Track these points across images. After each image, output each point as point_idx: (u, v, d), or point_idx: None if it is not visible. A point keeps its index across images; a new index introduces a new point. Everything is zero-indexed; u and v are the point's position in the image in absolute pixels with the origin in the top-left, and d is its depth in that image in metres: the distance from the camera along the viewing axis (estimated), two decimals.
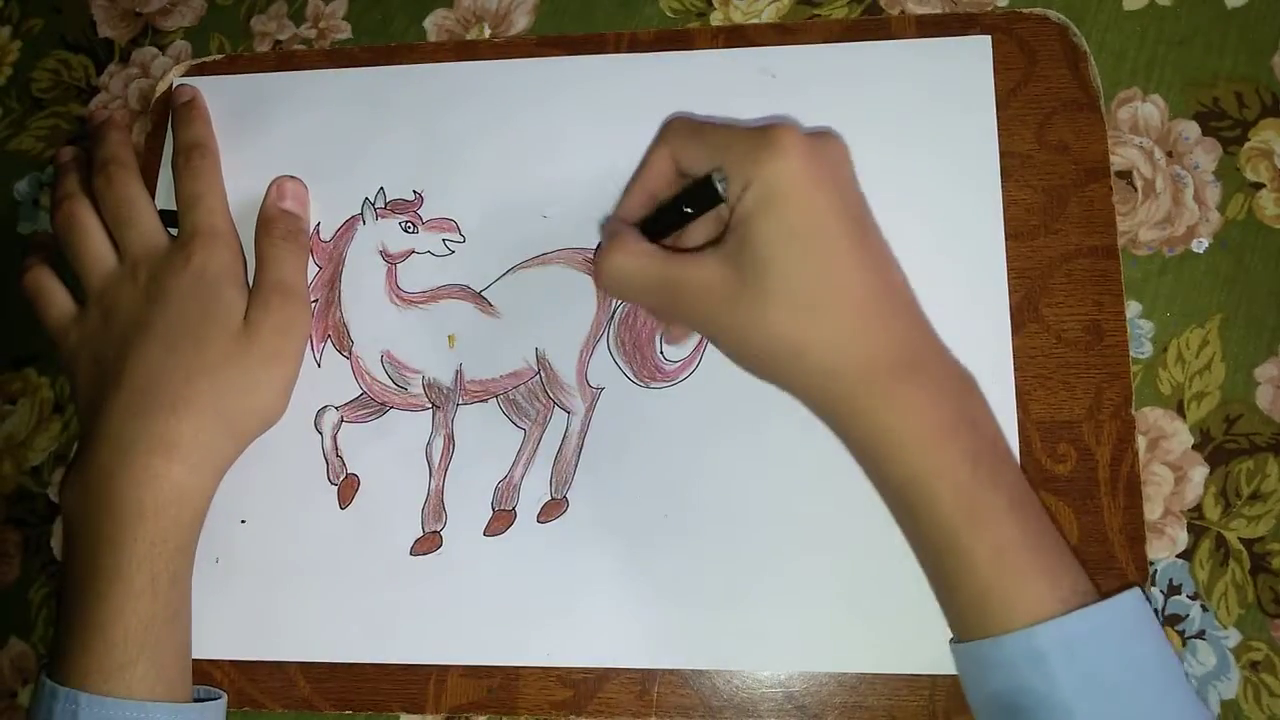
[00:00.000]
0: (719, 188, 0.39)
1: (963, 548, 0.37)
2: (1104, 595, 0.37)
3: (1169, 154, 0.48)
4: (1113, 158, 0.48)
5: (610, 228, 0.44)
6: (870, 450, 0.39)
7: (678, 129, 0.43)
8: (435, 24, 0.55)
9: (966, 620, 0.38)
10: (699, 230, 0.43)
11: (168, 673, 0.42)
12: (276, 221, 0.50)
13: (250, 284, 0.49)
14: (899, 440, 0.38)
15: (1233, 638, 0.43)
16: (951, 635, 0.41)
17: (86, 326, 0.48)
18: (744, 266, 0.38)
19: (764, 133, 0.39)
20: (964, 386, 0.41)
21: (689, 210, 0.41)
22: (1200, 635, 0.43)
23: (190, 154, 0.51)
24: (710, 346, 0.47)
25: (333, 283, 0.51)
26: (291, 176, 0.51)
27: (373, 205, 0.51)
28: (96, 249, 0.49)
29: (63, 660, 0.42)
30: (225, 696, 0.46)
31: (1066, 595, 0.37)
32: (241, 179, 0.51)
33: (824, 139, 0.40)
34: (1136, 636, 0.37)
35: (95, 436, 0.45)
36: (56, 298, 0.49)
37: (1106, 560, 0.43)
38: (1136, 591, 0.38)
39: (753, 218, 0.38)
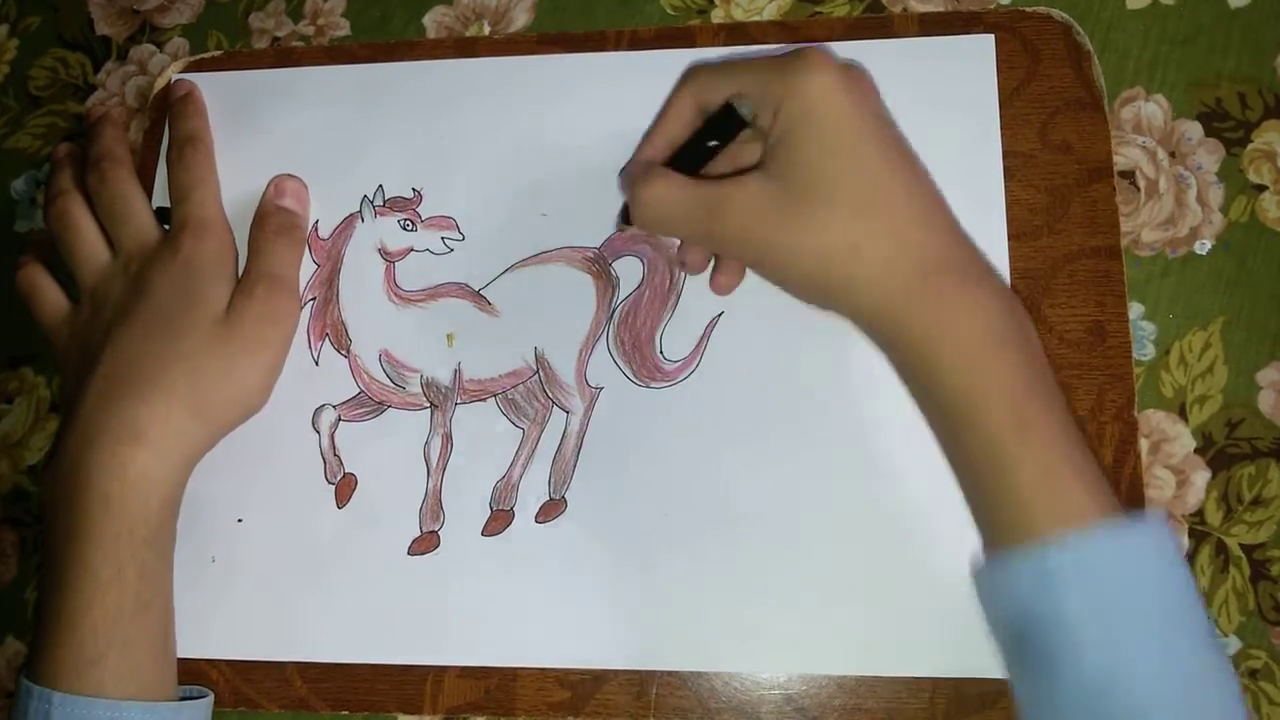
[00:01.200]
0: (742, 112, 0.40)
1: (1010, 459, 0.36)
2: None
3: (1172, 155, 0.47)
4: (1116, 158, 0.47)
5: (635, 169, 0.44)
6: (921, 356, 0.38)
7: (701, 69, 0.43)
8: (434, 21, 0.55)
9: (1000, 530, 0.37)
10: (721, 169, 0.43)
11: (141, 668, 0.42)
12: (272, 216, 0.50)
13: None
14: (952, 344, 0.38)
15: (1232, 645, 0.43)
16: (974, 564, 0.40)
17: (79, 321, 0.48)
18: (791, 179, 0.39)
19: (795, 54, 0.40)
20: (1013, 299, 0.40)
21: (713, 143, 0.42)
22: None
23: (183, 147, 0.51)
24: (709, 347, 0.47)
25: (331, 281, 0.51)
26: (291, 175, 0.51)
27: (371, 203, 0.51)
28: (90, 245, 0.49)
29: (37, 656, 0.42)
30: (211, 695, 0.46)
31: (1098, 509, 0.36)
32: (240, 176, 0.51)
33: (850, 65, 0.41)
34: (1153, 565, 0.36)
35: (68, 425, 0.44)
36: (50, 295, 0.49)
37: None
38: (1158, 515, 0.38)
39: (793, 132, 0.39)
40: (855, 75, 0.40)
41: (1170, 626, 0.35)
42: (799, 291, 0.41)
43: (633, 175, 0.43)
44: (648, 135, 0.45)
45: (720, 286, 0.47)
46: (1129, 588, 0.35)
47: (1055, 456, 0.36)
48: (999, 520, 0.37)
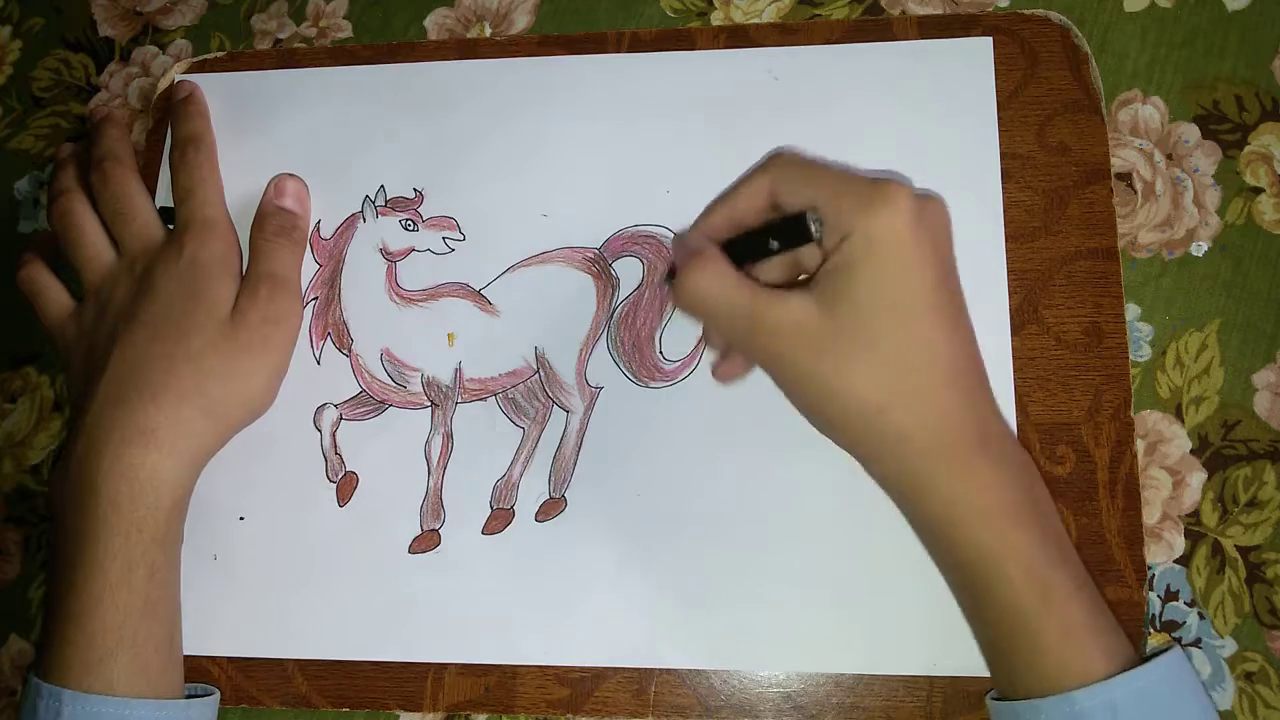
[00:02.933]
0: (812, 228, 0.39)
1: (1032, 628, 0.37)
2: (1145, 657, 0.38)
3: (1169, 157, 0.48)
4: (1113, 160, 0.48)
5: (692, 242, 0.43)
6: (940, 524, 0.39)
7: (785, 162, 0.42)
8: (436, 23, 0.55)
9: (1020, 687, 0.38)
10: (773, 269, 0.42)
11: (150, 667, 0.42)
12: (271, 217, 0.50)
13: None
14: (972, 517, 0.38)
15: (1228, 647, 0.43)
16: (991, 691, 0.41)
17: (83, 321, 0.48)
18: (837, 315, 0.38)
19: (876, 185, 0.38)
20: (1030, 466, 0.40)
21: (775, 245, 0.41)
22: (1196, 644, 0.43)
23: (185, 148, 0.51)
24: (708, 349, 0.47)
25: (333, 280, 0.51)
26: (292, 175, 0.51)
27: (373, 203, 0.51)
28: (93, 244, 0.49)
29: (46, 655, 0.42)
30: (217, 693, 0.46)
31: (1113, 661, 0.37)
32: (242, 176, 0.52)
33: (931, 201, 0.39)
34: (1179, 700, 0.38)
35: (77, 427, 0.45)
36: (53, 294, 0.50)
37: (1105, 562, 0.43)
38: (1177, 654, 0.38)
39: (853, 269, 0.38)
40: (929, 215, 0.39)
41: None
42: (820, 427, 0.41)
43: (687, 250, 0.42)
44: (714, 206, 0.44)
45: (723, 375, 0.46)
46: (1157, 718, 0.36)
47: (1074, 619, 0.37)
48: (1021, 673, 0.38)
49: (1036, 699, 0.37)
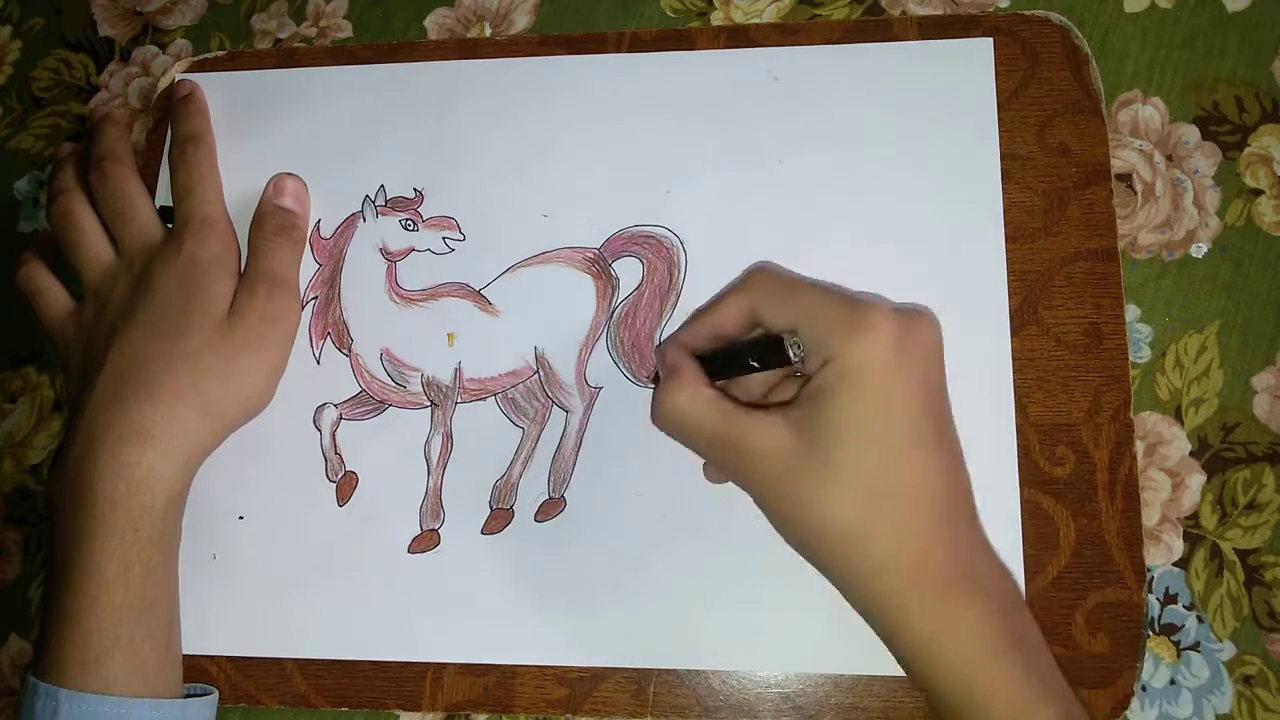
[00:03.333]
0: (790, 352, 0.39)
1: None
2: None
3: (1169, 158, 0.48)
4: (1113, 161, 0.48)
5: (671, 357, 0.42)
6: (919, 661, 0.38)
7: (765, 281, 0.41)
8: (436, 23, 0.55)
9: None
10: (757, 381, 0.42)
11: (146, 666, 0.42)
12: (270, 217, 0.50)
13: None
14: (951, 656, 0.37)
15: (1227, 651, 0.43)
16: None
17: (82, 321, 0.48)
18: (814, 442, 0.37)
19: (857, 309, 0.38)
20: (1014, 600, 0.39)
21: (755, 364, 0.40)
22: (1195, 647, 0.43)
23: (184, 146, 0.51)
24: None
25: (333, 280, 0.51)
26: (291, 174, 0.51)
27: (373, 203, 0.51)
28: (93, 243, 0.49)
29: (44, 654, 0.42)
30: (216, 693, 0.46)
31: None
32: (242, 176, 0.52)
33: (917, 321, 0.39)
34: None
35: (74, 426, 0.45)
36: (52, 293, 0.50)
37: (1103, 563, 0.43)
38: None
39: (831, 394, 0.37)
40: (914, 338, 0.38)
41: None
42: (798, 550, 0.40)
43: (667, 364, 0.42)
44: (696, 316, 0.44)
45: (714, 477, 0.45)
46: None
47: None
48: None
49: None
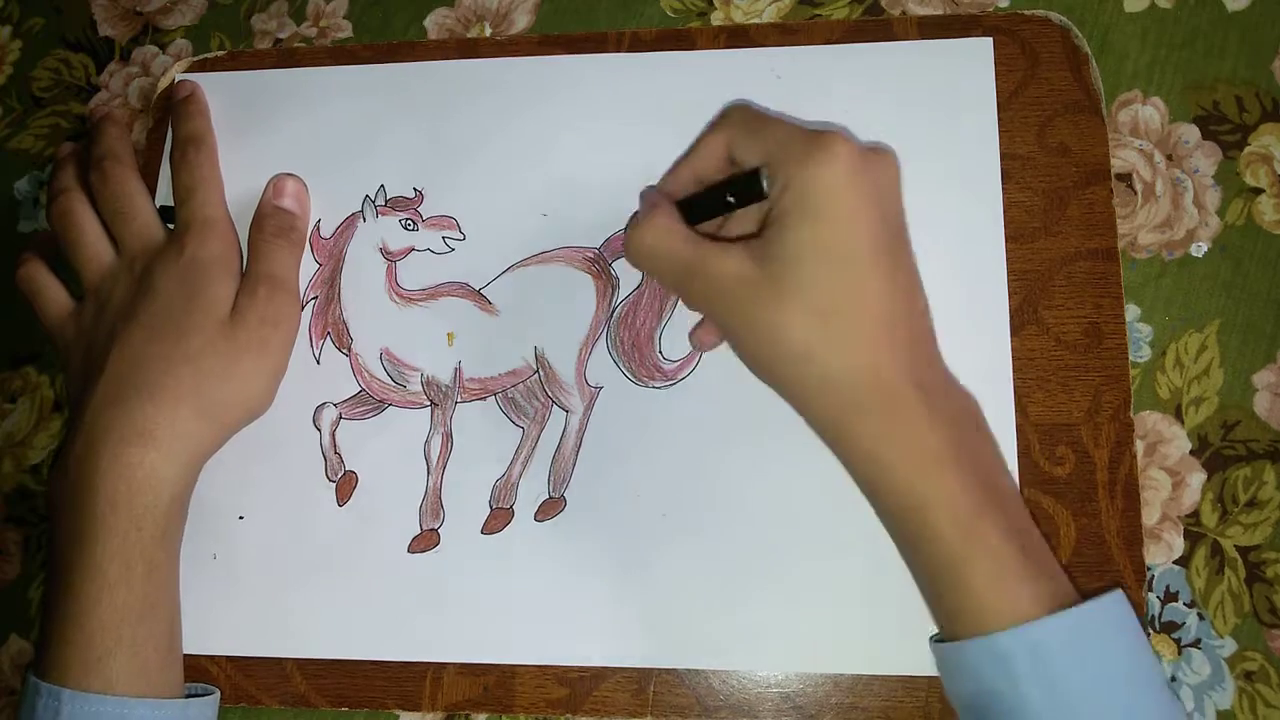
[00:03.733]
0: (764, 184, 0.40)
1: (958, 575, 0.37)
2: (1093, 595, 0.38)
3: (1169, 157, 0.48)
4: (1113, 160, 0.48)
5: (650, 198, 0.44)
6: (866, 470, 0.39)
7: (736, 117, 0.43)
8: (436, 23, 0.55)
9: (955, 627, 0.38)
10: (740, 223, 0.43)
11: (148, 666, 0.42)
12: (269, 218, 0.50)
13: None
14: (896, 464, 0.38)
15: (1228, 647, 0.43)
16: (933, 634, 0.41)
17: (82, 321, 0.48)
18: (768, 264, 0.38)
19: (815, 137, 0.39)
20: (966, 415, 0.41)
21: (731, 200, 0.41)
22: (1196, 644, 0.43)
23: (186, 147, 0.51)
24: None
25: (333, 280, 0.51)
26: (291, 175, 0.51)
27: (373, 202, 0.51)
28: (93, 243, 0.49)
29: (45, 654, 0.42)
30: (218, 693, 0.46)
31: (1046, 605, 0.37)
32: (242, 176, 0.52)
33: (876, 154, 0.40)
34: (1108, 642, 0.37)
35: (75, 426, 0.45)
36: (52, 293, 0.50)
37: (1104, 563, 0.43)
38: (1115, 596, 0.38)
39: (786, 218, 0.38)
40: (871, 167, 0.39)
41: (1130, 703, 0.36)
42: (757, 374, 0.41)
43: (645, 203, 0.43)
44: (677, 164, 0.45)
45: (700, 341, 0.46)
46: (1084, 668, 0.36)
47: (1004, 565, 0.37)
48: (952, 615, 0.38)
49: (962, 640, 0.37)
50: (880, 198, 0.39)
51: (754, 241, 0.39)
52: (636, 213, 0.46)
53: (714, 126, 0.43)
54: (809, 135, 0.39)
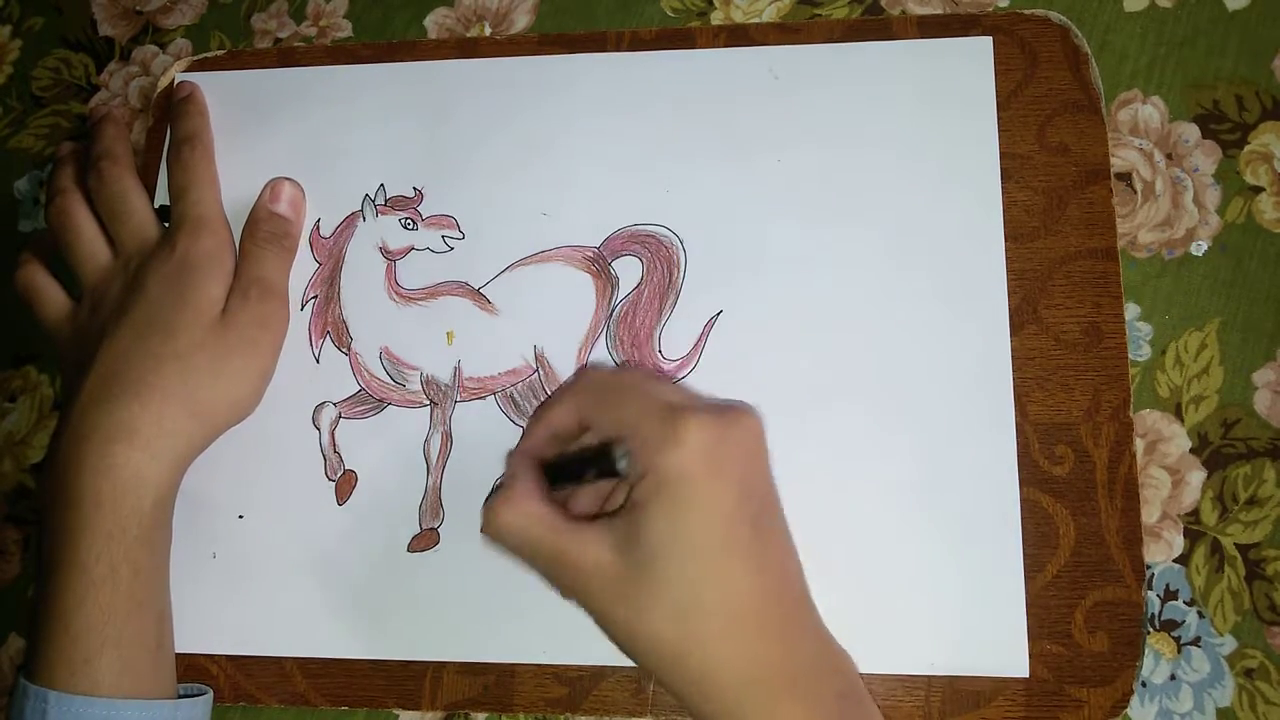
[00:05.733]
0: (619, 465, 0.38)
1: None
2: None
3: (1169, 156, 0.48)
4: (1113, 160, 0.48)
5: (512, 466, 0.42)
6: None
7: (590, 386, 0.41)
8: (435, 23, 0.55)
9: None
10: (603, 487, 0.41)
11: (137, 666, 0.42)
12: (263, 223, 0.50)
13: None
14: None
15: (1228, 645, 0.43)
16: None
17: (78, 321, 0.48)
18: (631, 558, 0.37)
19: (667, 420, 0.37)
20: (849, 699, 0.39)
21: (590, 473, 0.39)
22: (1195, 642, 0.43)
23: (181, 146, 0.51)
24: (708, 346, 0.47)
25: (332, 279, 0.51)
26: (289, 179, 0.51)
27: (373, 201, 0.51)
28: (90, 244, 0.49)
29: (33, 655, 0.42)
30: (210, 693, 0.46)
31: None
32: (241, 175, 0.52)
33: (733, 423, 0.38)
34: None
35: (63, 423, 0.44)
36: (50, 294, 0.49)
37: (1103, 563, 0.43)
38: None
39: (647, 507, 0.36)
40: (729, 441, 0.37)
41: None
42: (638, 664, 0.39)
43: (506, 474, 0.41)
44: (532, 421, 0.43)
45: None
46: None
47: None
48: None
49: None
50: (742, 471, 0.38)
51: (617, 526, 0.37)
52: (498, 482, 0.43)
53: (568, 390, 0.42)
54: (661, 414, 0.37)
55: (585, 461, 0.40)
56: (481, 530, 0.41)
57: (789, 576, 0.39)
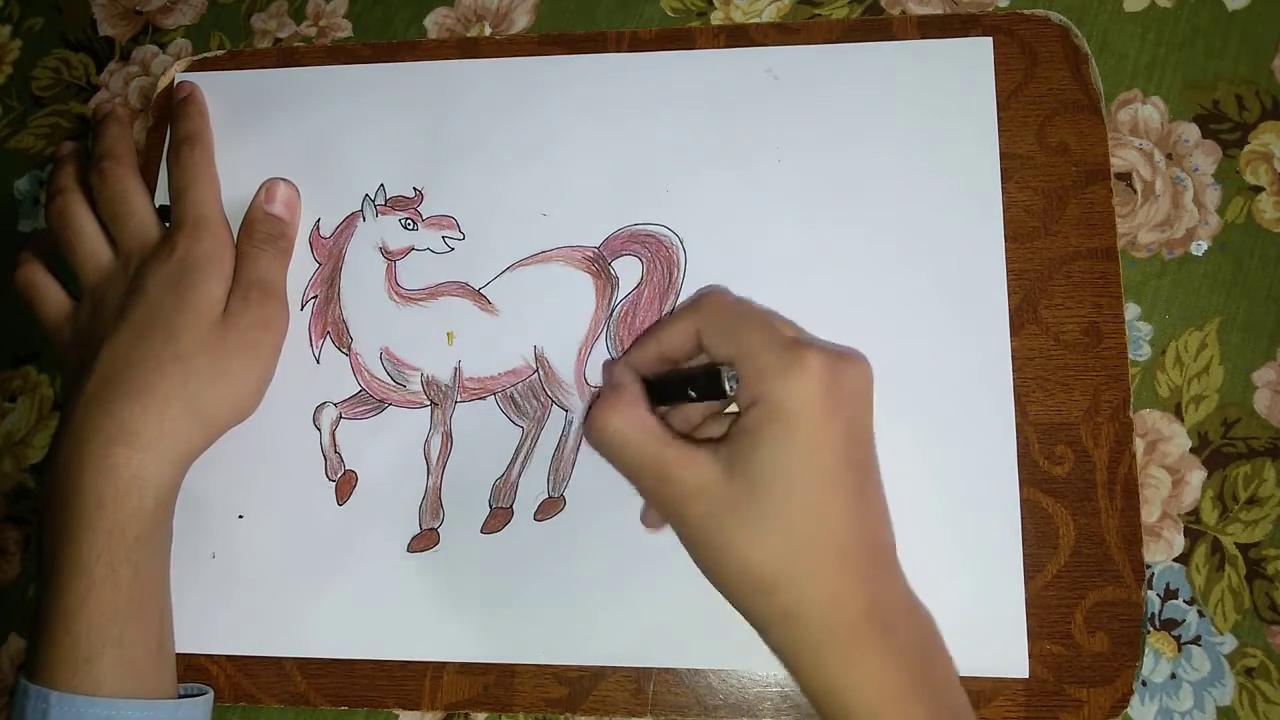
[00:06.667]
0: (727, 386, 0.38)
1: None
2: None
3: (1169, 156, 0.48)
4: (1113, 160, 0.48)
5: (615, 376, 0.42)
6: (826, 708, 0.37)
7: (713, 307, 0.41)
8: (436, 23, 0.55)
9: None
10: (698, 410, 0.42)
11: (138, 666, 0.42)
12: (259, 224, 0.50)
13: None
14: (855, 704, 0.36)
15: (1228, 644, 0.43)
16: None
17: (78, 321, 0.48)
18: (734, 480, 0.37)
19: (791, 350, 0.37)
20: (929, 651, 0.39)
21: (693, 394, 0.40)
22: (1196, 641, 0.43)
23: (181, 147, 0.51)
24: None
25: (332, 279, 0.51)
26: (285, 180, 0.51)
27: (373, 202, 0.51)
28: (90, 244, 0.49)
29: (34, 656, 0.42)
30: (210, 693, 0.46)
31: None
32: (241, 175, 0.52)
33: (848, 365, 0.38)
34: None
35: (64, 424, 0.44)
36: (50, 294, 0.49)
37: (1103, 562, 0.43)
38: None
39: (757, 435, 0.37)
40: (844, 383, 0.38)
41: None
42: (719, 590, 0.39)
43: (612, 381, 0.41)
44: (645, 337, 0.43)
45: (650, 522, 0.45)
46: None
47: None
48: None
49: None
50: (851, 414, 0.38)
51: (721, 449, 0.38)
52: (600, 389, 0.43)
53: (687, 309, 0.42)
54: (784, 346, 0.38)
55: (688, 381, 0.40)
56: (586, 436, 0.41)
57: (884, 525, 0.40)
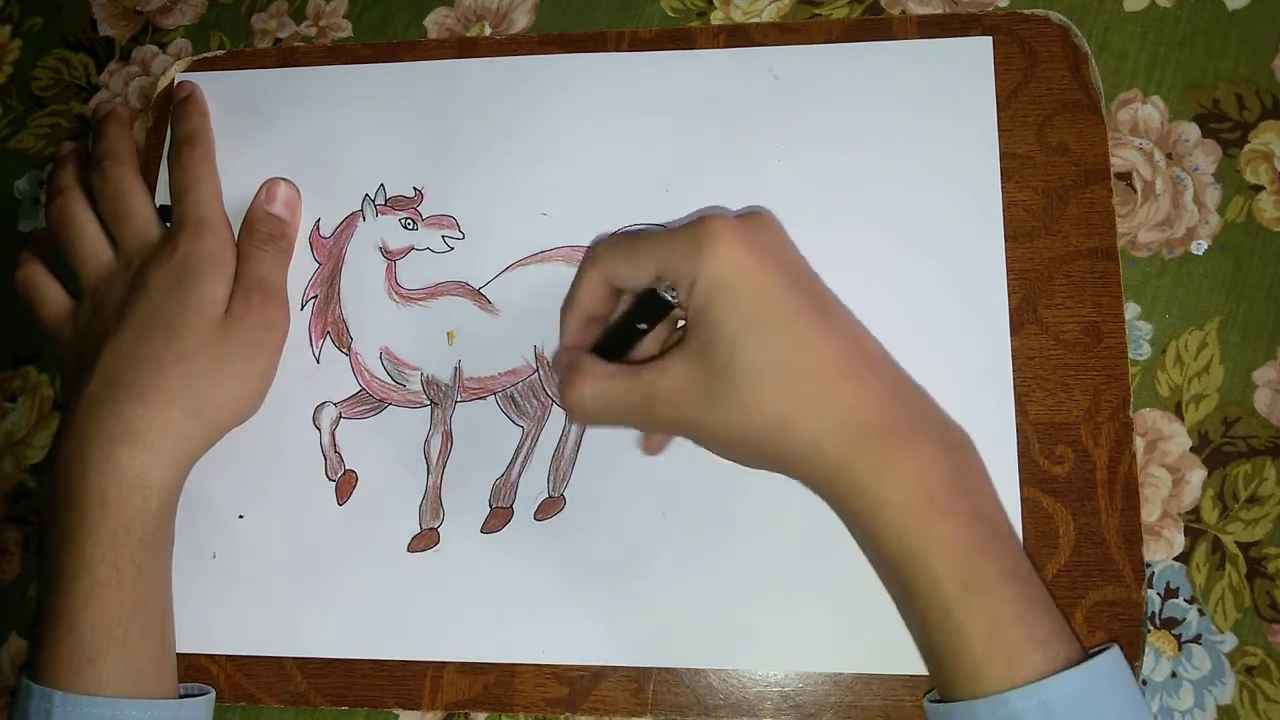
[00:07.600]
0: (667, 297, 0.39)
1: (955, 622, 0.36)
2: (1089, 648, 0.37)
3: (1169, 156, 0.48)
4: (1113, 159, 0.48)
5: (565, 359, 0.43)
6: (862, 522, 0.38)
7: (606, 249, 0.42)
8: (435, 23, 0.55)
9: (955, 686, 0.37)
10: (649, 341, 0.43)
11: (140, 667, 0.42)
12: (260, 224, 0.50)
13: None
14: (889, 511, 0.37)
15: (1229, 642, 0.43)
16: (930, 692, 0.41)
17: (79, 321, 0.48)
18: (711, 359, 0.38)
19: (695, 227, 0.39)
20: (956, 448, 0.40)
21: (643, 326, 0.41)
22: (1196, 639, 0.43)
23: (182, 147, 0.51)
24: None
25: (332, 279, 0.51)
26: (285, 180, 0.51)
27: (373, 201, 0.51)
28: (91, 243, 0.49)
29: (37, 656, 0.42)
30: (212, 693, 0.46)
31: (1051, 661, 0.36)
32: (242, 175, 0.52)
33: (755, 219, 0.40)
34: (1112, 698, 0.37)
35: (66, 425, 0.44)
36: (50, 293, 0.49)
37: (1103, 562, 0.43)
38: (1114, 653, 0.37)
39: (708, 311, 0.38)
40: (759, 232, 0.40)
41: None
42: (741, 462, 0.41)
43: (562, 364, 0.42)
44: (566, 315, 0.44)
45: (651, 447, 0.46)
46: None
47: (1004, 613, 0.36)
48: (952, 672, 0.37)
49: (969, 700, 0.36)
50: (780, 258, 0.40)
51: (686, 346, 0.39)
52: (559, 380, 0.44)
53: (584, 266, 0.42)
54: (686, 230, 0.39)
55: (631, 320, 0.41)
56: (570, 417, 0.42)
57: (863, 338, 0.41)
